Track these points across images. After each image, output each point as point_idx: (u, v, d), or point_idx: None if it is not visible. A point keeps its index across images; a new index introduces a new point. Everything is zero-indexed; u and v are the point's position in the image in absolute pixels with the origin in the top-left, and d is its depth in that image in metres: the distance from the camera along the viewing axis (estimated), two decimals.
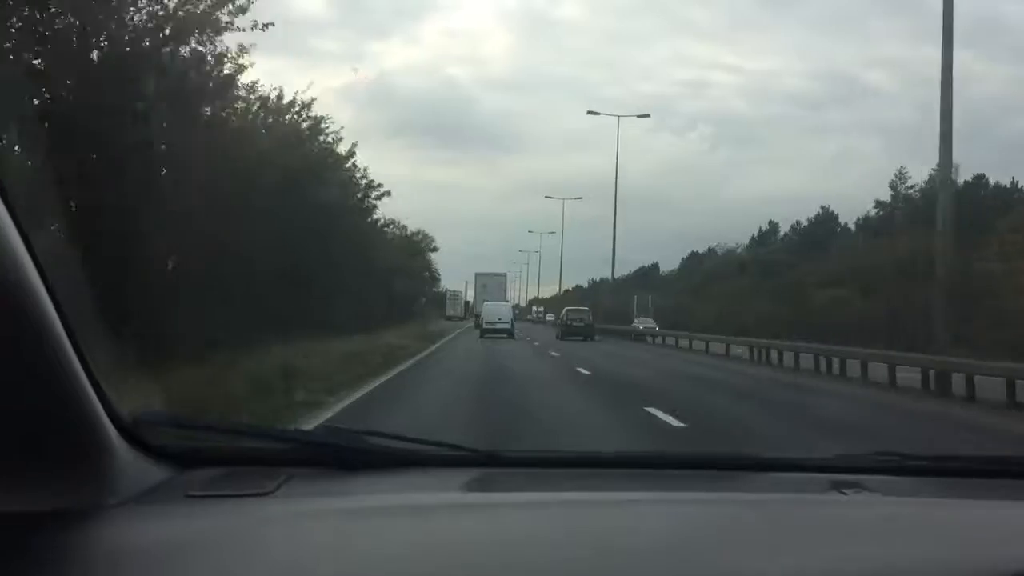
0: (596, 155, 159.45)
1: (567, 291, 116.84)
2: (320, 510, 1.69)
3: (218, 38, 18.71)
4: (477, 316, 58.94)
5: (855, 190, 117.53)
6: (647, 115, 64.22)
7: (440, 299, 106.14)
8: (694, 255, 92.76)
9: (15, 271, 1.34)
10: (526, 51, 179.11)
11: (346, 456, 1.93)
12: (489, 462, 2.10)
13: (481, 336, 46.22)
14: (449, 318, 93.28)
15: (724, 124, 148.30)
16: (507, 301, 66.31)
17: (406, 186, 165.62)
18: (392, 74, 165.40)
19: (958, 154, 21.80)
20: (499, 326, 47.85)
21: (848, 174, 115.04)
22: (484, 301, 59.47)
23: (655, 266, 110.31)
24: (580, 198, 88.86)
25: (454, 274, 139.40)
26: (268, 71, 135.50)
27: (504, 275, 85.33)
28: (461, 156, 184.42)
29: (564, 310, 54.69)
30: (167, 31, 17.67)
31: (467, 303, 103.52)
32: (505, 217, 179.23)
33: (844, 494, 1.96)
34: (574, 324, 47.94)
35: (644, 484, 2.11)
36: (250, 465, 1.91)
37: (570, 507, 1.82)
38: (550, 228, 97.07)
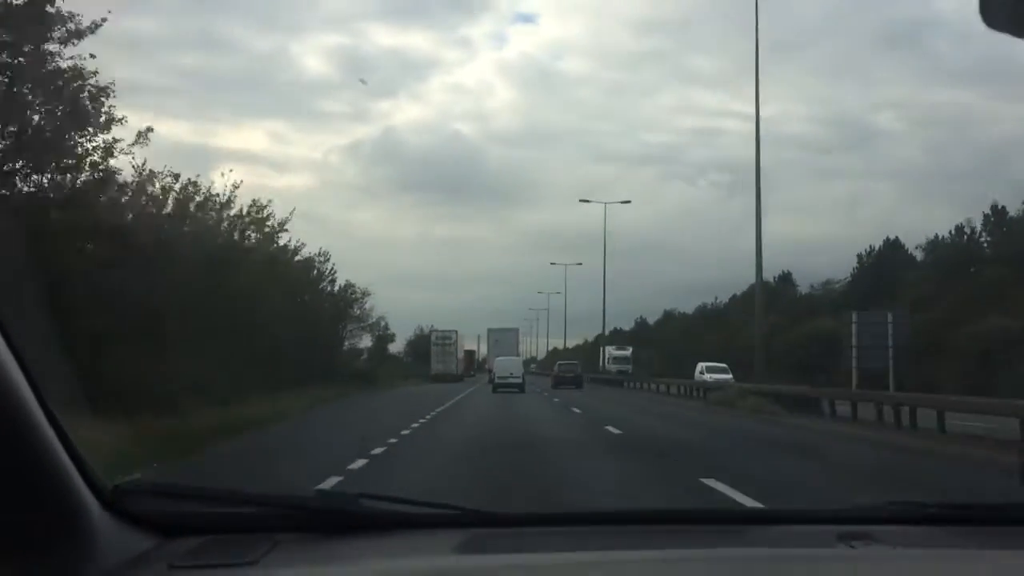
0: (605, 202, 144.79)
1: (614, 331, 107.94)
2: None
3: None
4: (491, 371, 57.52)
5: (867, 234, 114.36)
6: (628, 201, 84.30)
7: (420, 346, 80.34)
8: (880, 251, 62.14)
9: None
10: (531, 104, 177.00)
11: (334, 520, 1.87)
12: (484, 522, 2.05)
13: (494, 391, 44.98)
14: (438, 378, 67.34)
15: (733, 171, 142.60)
16: (519, 355, 65.82)
17: (415, 244, 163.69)
18: (398, 131, 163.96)
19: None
20: (511, 380, 47.60)
21: (860, 217, 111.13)
22: (497, 356, 58.63)
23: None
24: (580, 264, 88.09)
25: (466, 330, 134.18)
26: (274, 133, 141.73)
27: (516, 330, 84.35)
28: (470, 211, 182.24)
29: (557, 363, 62.70)
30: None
31: (469, 352, 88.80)
32: (516, 271, 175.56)
33: (853, 547, 1.89)
34: (565, 375, 55.30)
35: (645, 542, 2.00)
36: (235, 532, 1.85)
37: (567, 569, 1.77)
38: (561, 281, 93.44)
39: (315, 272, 45.63)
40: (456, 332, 76.41)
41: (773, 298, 69.78)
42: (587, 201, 71.85)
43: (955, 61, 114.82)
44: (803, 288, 72.99)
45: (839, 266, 70.03)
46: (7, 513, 1.45)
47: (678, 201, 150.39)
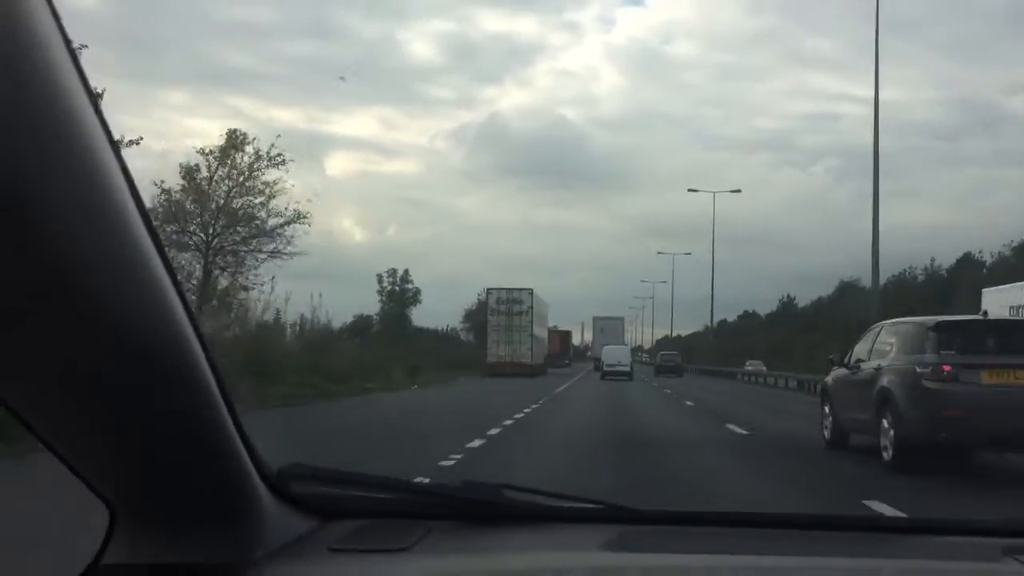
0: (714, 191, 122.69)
1: (722, 322, 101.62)
2: (458, 567, 1.76)
3: None
4: (597, 360, 58.29)
5: (995, 223, 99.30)
6: (738, 190, 66.79)
7: (476, 317, 54.76)
8: None
9: (183, 340, 1.38)
10: (638, 89, 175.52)
11: (483, 510, 1.94)
12: (629, 518, 2.07)
13: (602, 378, 45.64)
14: (497, 370, 44.20)
15: (850, 157, 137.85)
16: (625, 344, 64.10)
17: (517, 229, 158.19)
18: (503, 116, 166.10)
19: None
20: (619, 368, 47.70)
21: (987, 206, 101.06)
22: (603, 345, 58.39)
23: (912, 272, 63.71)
24: (689, 253, 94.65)
25: (569, 317, 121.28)
26: (382, 119, 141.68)
27: (622, 319, 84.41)
28: (573, 197, 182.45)
29: (659, 354, 69.18)
30: None
31: (563, 333, 77.50)
32: (620, 258, 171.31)
33: (1022, 562, 1.76)
34: (666, 364, 59.79)
35: (797, 547, 1.95)
36: (388, 518, 1.93)
37: (718, 572, 1.79)
38: (665, 271, 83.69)
39: None
40: (531, 293, 49.47)
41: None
42: (695, 191, 64.84)
43: None
44: None
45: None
46: (184, 495, 1.51)
47: (789, 189, 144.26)
